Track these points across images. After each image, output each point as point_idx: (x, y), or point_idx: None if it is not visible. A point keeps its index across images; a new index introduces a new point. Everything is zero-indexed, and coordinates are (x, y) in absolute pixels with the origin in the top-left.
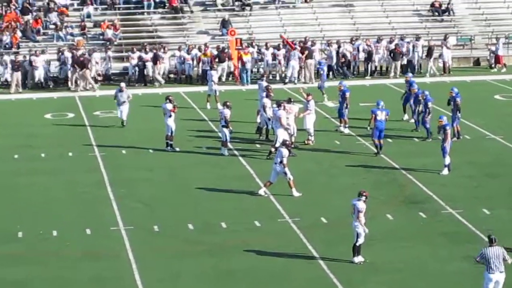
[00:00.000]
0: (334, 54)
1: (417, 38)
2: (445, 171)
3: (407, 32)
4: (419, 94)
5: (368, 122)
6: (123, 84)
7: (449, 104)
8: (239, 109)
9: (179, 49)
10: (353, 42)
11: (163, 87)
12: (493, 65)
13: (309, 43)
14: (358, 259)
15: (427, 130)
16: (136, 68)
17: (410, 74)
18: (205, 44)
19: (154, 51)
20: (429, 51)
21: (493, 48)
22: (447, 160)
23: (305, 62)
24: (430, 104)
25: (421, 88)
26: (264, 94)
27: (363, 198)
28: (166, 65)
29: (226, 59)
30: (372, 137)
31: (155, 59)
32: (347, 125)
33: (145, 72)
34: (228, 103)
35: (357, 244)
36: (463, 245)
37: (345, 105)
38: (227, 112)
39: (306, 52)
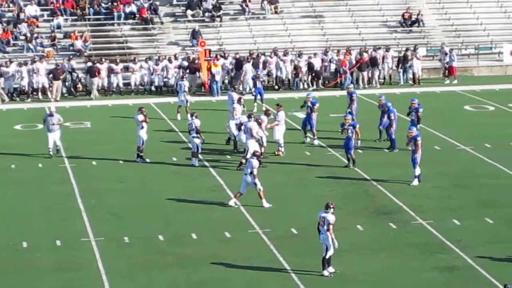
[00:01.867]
0: (303, 65)
1: (387, 49)
2: (415, 182)
3: (377, 43)
4: (385, 105)
5: (356, 135)
6: (53, 108)
7: (409, 114)
8: (209, 119)
9: (146, 60)
10: (326, 54)
11: (132, 98)
12: (446, 77)
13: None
14: (329, 271)
15: (392, 141)
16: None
17: (351, 85)
18: (216, 55)
19: (91, 63)
20: (399, 61)
21: (447, 59)
22: (417, 171)
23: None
24: (392, 116)
25: (390, 99)
26: (236, 105)
27: (331, 210)
28: (137, 76)
29: (197, 71)
30: (350, 150)
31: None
32: (315, 137)
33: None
34: (195, 114)
35: (327, 256)
36: (434, 256)
37: (313, 116)
38: (197, 122)
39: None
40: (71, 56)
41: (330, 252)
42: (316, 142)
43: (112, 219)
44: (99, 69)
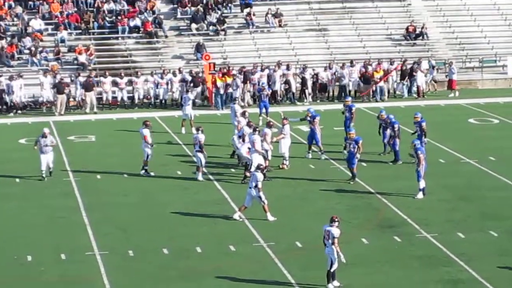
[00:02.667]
0: (308, 78)
1: (391, 62)
2: (420, 195)
3: (382, 56)
4: (387, 118)
5: (357, 150)
6: (46, 130)
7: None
8: (214, 133)
9: (152, 74)
10: (331, 67)
11: (136, 111)
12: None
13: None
14: (334, 285)
15: (396, 153)
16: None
17: (349, 98)
18: (229, 67)
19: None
20: (403, 74)
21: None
22: (422, 184)
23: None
24: (396, 127)
25: (394, 112)
26: (240, 118)
27: (336, 223)
28: (140, 90)
29: (200, 83)
30: (353, 165)
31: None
32: (322, 151)
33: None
34: (201, 128)
35: (331, 270)
36: (438, 269)
37: (317, 130)
38: (202, 137)
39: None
40: (79, 72)
41: (335, 266)
42: (323, 157)
43: (117, 233)
44: (94, 83)
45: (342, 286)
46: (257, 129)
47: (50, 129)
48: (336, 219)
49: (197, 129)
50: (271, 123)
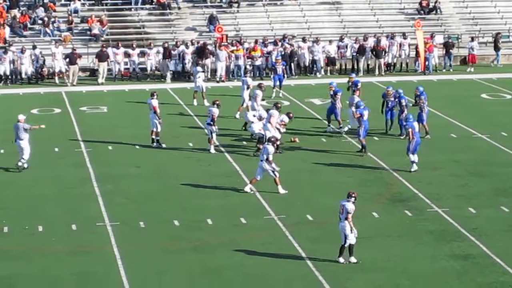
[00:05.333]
0: (320, 51)
1: (404, 36)
2: (415, 167)
3: (394, 30)
4: (396, 95)
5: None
6: (21, 116)
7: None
8: (226, 105)
9: (164, 45)
10: (342, 40)
11: (148, 83)
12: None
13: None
14: (351, 260)
15: (402, 127)
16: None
17: (353, 74)
18: (256, 41)
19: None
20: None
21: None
22: (412, 157)
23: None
24: (403, 102)
25: (407, 87)
26: (257, 91)
27: (352, 199)
28: (153, 61)
29: (210, 55)
30: (361, 137)
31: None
32: (341, 125)
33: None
34: (217, 102)
35: (346, 245)
36: (449, 244)
37: (337, 105)
38: (216, 111)
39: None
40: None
41: (350, 241)
42: (343, 129)
43: (128, 204)
44: (108, 54)
45: (359, 262)
46: (278, 105)
47: (62, 100)
48: (353, 195)
49: (213, 103)
50: (279, 104)
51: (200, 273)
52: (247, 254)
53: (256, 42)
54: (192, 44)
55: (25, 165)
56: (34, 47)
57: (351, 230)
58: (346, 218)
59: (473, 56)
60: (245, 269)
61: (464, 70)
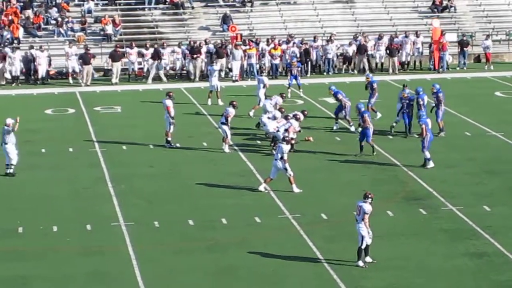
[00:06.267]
0: (333, 50)
1: (417, 34)
2: (431, 164)
3: (408, 29)
4: (412, 98)
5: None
6: (8, 120)
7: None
8: (240, 105)
9: (179, 45)
10: (356, 39)
11: (162, 83)
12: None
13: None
14: (366, 260)
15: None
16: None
17: (370, 75)
18: (272, 38)
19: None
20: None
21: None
22: (427, 154)
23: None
24: (421, 101)
25: (420, 84)
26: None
27: (369, 200)
28: (167, 61)
29: (225, 55)
30: (369, 140)
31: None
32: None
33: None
34: (234, 103)
35: (362, 246)
36: (463, 242)
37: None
38: (232, 112)
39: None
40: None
41: (367, 242)
42: (352, 128)
43: (142, 204)
44: (122, 54)
45: (375, 262)
46: (288, 116)
47: (76, 100)
48: (370, 195)
49: (230, 103)
50: (298, 115)
51: (214, 273)
52: (261, 253)
53: (276, 40)
54: (206, 43)
55: (11, 170)
56: (31, 47)
57: (367, 232)
58: (363, 219)
59: (489, 54)
60: (259, 269)
61: (477, 68)
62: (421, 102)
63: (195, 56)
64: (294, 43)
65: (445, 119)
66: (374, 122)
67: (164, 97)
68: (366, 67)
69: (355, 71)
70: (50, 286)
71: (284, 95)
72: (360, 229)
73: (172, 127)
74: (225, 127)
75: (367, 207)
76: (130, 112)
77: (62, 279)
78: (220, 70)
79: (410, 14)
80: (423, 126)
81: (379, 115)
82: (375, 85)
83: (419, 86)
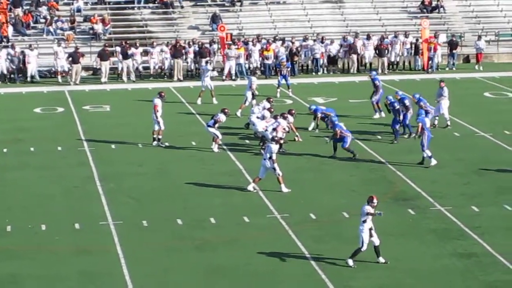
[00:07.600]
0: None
1: (406, 35)
2: (433, 162)
3: (397, 29)
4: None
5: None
6: None
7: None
8: (229, 104)
9: (167, 44)
10: (345, 39)
11: (151, 82)
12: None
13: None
14: (379, 260)
15: (407, 127)
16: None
17: (374, 72)
18: (268, 41)
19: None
20: (417, 49)
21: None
22: (428, 152)
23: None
24: (407, 102)
25: (409, 85)
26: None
27: (372, 203)
28: (156, 60)
29: (208, 54)
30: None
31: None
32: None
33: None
34: (226, 110)
35: (362, 249)
36: (452, 242)
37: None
38: (222, 118)
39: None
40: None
41: (375, 243)
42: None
43: (131, 203)
44: (111, 53)
45: (388, 263)
46: (285, 115)
47: (65, 99)
48: (374, 200)
49: (222, 110)
50: (286, 114)
51: (203, 272)
52: (250, 253)
53: (268, 41)
54: (194, 43)
55: None
56: (13, 47)
57: (370, 232)
58: (365, 221)
59: (481, 55)
60: (248, 268)
61: (466, 68)
62: (407, 104)
63: (177, 56)
64: (282, 42)
65: (435, 119)
66: (375, 120)
67: (155, 96)
68: (355, 67)
69: (338, 72)
70: (39, 285)
71: (272, 99)
72: (361, 232)
73: (157, 126)
74: (212, 129)
75: (367, 207)
76: (119, 111)
77: (51, 278)
78: (213, 69)
79: (399, 14)
80: (420, 124)
81: (382, 115)
82: (377, 82)
83: (405, 86)
